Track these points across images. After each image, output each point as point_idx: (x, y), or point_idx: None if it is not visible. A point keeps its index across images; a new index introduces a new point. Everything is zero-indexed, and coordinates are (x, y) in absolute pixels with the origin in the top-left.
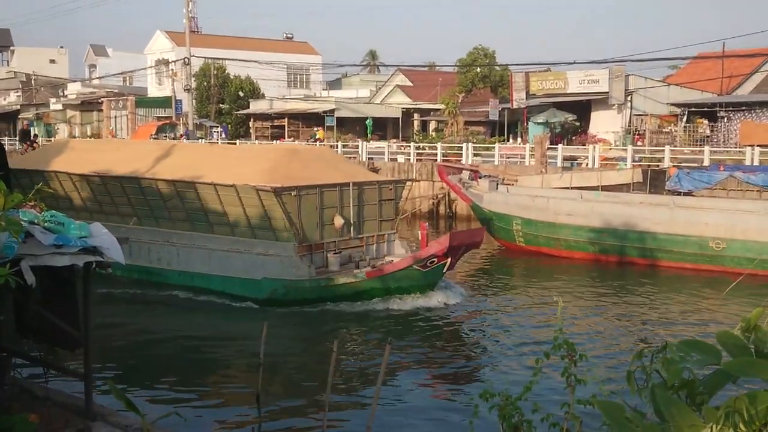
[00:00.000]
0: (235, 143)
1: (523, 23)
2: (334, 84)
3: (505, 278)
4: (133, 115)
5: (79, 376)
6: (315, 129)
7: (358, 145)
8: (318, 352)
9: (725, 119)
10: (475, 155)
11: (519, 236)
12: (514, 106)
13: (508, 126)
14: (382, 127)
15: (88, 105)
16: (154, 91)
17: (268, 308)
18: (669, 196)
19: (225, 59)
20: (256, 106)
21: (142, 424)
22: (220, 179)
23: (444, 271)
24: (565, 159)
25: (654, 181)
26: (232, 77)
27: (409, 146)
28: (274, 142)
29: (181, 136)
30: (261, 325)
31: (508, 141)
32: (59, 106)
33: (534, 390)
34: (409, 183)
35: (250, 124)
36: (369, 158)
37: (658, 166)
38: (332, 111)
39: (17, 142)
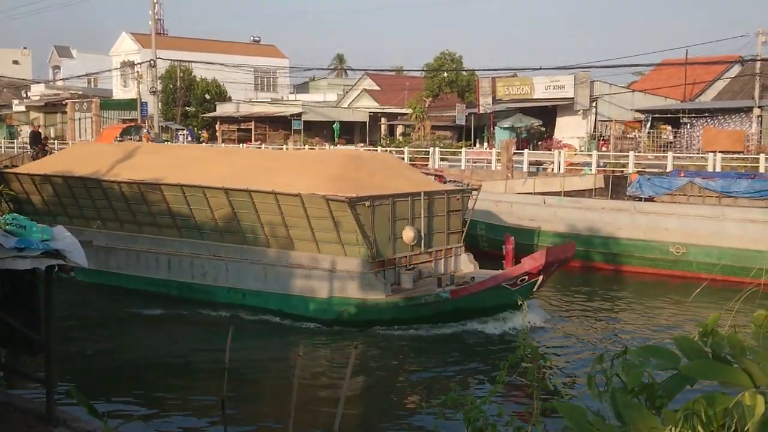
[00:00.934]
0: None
1: (490, 29)
2: (302, 88)
3: None
4: (98, 117)
5: (41, 381)
6: (200, 132)
7: (325, 149)
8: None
9: (688, 125)
10: (442, 160)
11: (483, 241)
12: (481, 111)
13: (475, 131)
14: (350, 131)
15: (52, 107)
16: (119, 93)
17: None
18: (630, 201)
19: (191, 62)
20: (222, 109)
21: (104, 430)
22: (279, 187)
23: (534, 290)
24: (530, 164)
25: (616, 186)
26: (198, 80)
27: (376, 150)
28: (241, 145)
29: (145, 138)
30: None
31: (475, 146)
32: (22, 108)
33: (502, 394)
34: (475, 192)
35: (217, 127)
36: None
37: (622, 171)
38: (299, 115)
39: (27, 146)
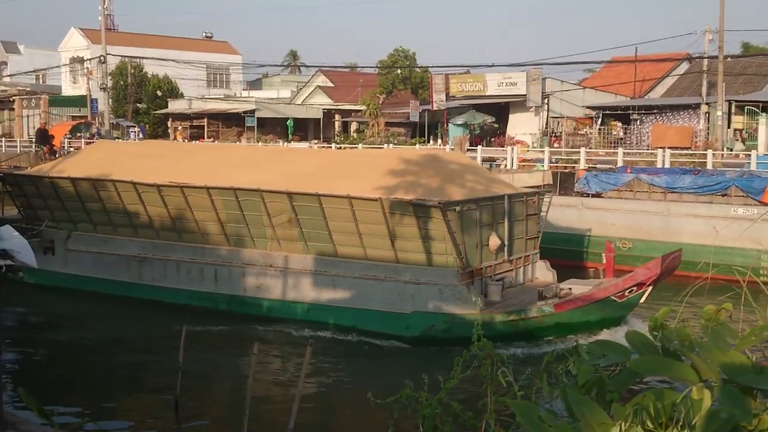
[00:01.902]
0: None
1: (443, 26)
2: (255, 84)
3: None
4: (47, 114)
5: None
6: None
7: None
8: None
9: (638, 122)
10: None
11: None
12: (435, 108)
13: (429, 127)
14: (304, 128)
15: None
16: (68, 90)
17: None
18: (578, 197)
19: (142, 58)
20: (174, 106)
21: None
22: (351, 190)
23: (641, 301)
24: (484, 160)
25: (564, 183)
26: (149, 76)
27: (331, 147)
28: (194, 142)
29: (94, 135)
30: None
31: (429, 142)
32: None
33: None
34: (549, 195)
35: (169, 124)
36: None
37: (574, 168)
38: (252, 111)
39: (33, 144)
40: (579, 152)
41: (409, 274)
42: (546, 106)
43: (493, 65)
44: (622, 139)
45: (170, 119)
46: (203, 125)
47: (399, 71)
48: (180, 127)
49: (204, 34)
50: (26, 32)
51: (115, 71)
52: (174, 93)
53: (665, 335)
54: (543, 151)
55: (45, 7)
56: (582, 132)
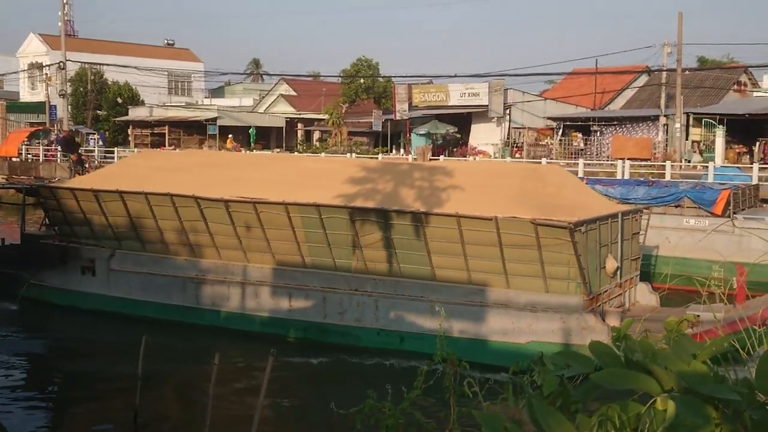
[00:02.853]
0: (113, 151)
1: (406, 36)
2: (217, 92)
3: None
4: (4, 121)
5: None
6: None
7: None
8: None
9: (598, 133)
10: None
11: None
12: (397, 118)
13: (392, 137)
14: (266, 137)
15: None
16: (26, 96)
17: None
18: None
19: (103, 64)
20: (135, 113)
21: None
22: (450, 207)
23: None
24: None
25: None
26: (110, 83)
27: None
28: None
29: (52, 142)
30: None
31: (391, 152)
32: None
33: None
34: (646, 212)
35: (129, 131)
36: None
37: None
38: (214, 119)
39: (58, 153)
40: (540, 163)
41: (525, 300)
42: (508, 117)
43: (455, 75)
44: (582, 150)
45: (131, 127)
46: (164, 133)
47: (362, 81)
48: (231, 135)
49: (166, 42)
50: None
51: (74, 77)
52: (135, 100)
53: (628, 346)
54: (505, 162)
55: (3, 12)
56: (543, 143)
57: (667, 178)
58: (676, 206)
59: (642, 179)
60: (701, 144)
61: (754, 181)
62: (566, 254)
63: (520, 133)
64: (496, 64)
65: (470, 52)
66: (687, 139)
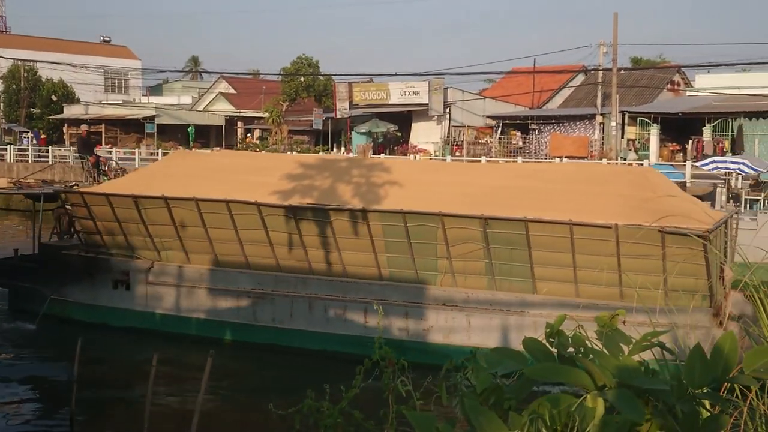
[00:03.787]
0: (47, 149)
1: (346, 34)
2: (155, 90)
3: None
4: None
5: None
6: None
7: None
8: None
9: (536, 131)
10: None
11: None
12: (338, 116)
13: (332, 135)
14: (205, 135)
15: None
16: None
17: None
18: None
19: (36, 61)
20: (70, 111)
21: None
22: (555, 213)
23: None
24: None
25: None
26: (44, 80)
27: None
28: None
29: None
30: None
31: (332, 150)
32: None
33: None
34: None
35: (64, 129)
36: None
37: None
38: (152, 118)
39: (75, 155)
40: (480, 161)
41: (644, 316)
42: (448, 116)
43: (395, 74)
44: (521, 148)
45: (66, 125)
46: (101, 131)
47: (302, 79)
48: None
49: (102, 38)
50: None
51: (6, 74)
52: (70, 98)
53: (561, 342)
54: (445, 160)
55: None
56: (483, 141)
57: None
58: None
59: None
60: (636, 142)
61: (687, 179)
62: (696, 264)
63: (459, 131)
64: (436, 63)
65: (410, 51)
66: (623, 138)
